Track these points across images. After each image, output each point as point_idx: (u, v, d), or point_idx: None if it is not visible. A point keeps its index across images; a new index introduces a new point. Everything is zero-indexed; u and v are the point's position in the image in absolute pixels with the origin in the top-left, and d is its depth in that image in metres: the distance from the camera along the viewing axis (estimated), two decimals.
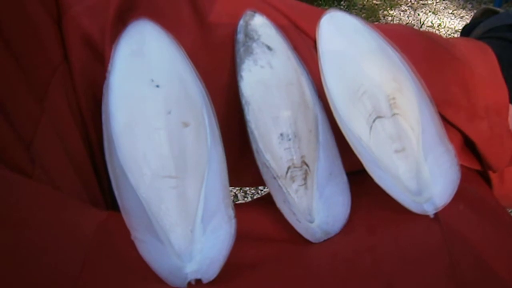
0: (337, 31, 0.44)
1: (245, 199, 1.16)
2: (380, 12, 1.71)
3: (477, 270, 0.33)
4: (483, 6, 0.60)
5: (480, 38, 0.54)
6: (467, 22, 0.61)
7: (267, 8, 0.44)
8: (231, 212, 0.34)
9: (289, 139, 0.39)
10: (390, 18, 1.72)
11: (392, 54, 0.43)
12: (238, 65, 0.41)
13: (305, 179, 0.39)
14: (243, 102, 0.40)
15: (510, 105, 0.45)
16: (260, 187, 1.13)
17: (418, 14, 1.76)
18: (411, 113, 0.40)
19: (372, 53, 0.43)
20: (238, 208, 0.35)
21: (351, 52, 0.43)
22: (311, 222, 0.38)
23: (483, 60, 0.46)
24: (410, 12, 1.77)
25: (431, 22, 1.72)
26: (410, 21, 1.72)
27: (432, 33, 0.50)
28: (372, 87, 0.41)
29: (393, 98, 0.41)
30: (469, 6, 1.83)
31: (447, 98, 0.43)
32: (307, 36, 0.45)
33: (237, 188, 1.14)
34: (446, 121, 0.42)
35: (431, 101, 0.41)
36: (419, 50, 0.45)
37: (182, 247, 0.33)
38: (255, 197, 1.16)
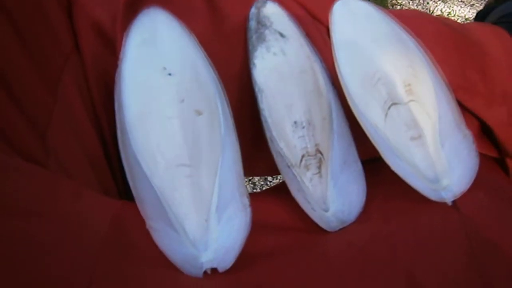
0: (350, 17, 0.44)
1: (254, 191, 1.16)
2: (389, 1, 1.68)
3: (497, 257, 0.32)
4: None
5: (495, 23, 0.53)
6: (477, 10, 0.60)
7: None
8: (246, 201, 0.34)
9: (303, 127, 0.39)
10: (399, 7, 1.70)
11: (407, 39, 0.42)
12: (250, 52, 0.40)
13: (319, 167, 0.39)
14: (256, 89, 0.39)
15: None
16: (269, 179, 1.13)
17: (428, 3, 1.74)
18: (427, 99, 0.40)
19: (386, 39, 0.42)
20: (253, 198, 0.34)
21: (365, 38, 0.42)
22: (326, 210, 0.38)
23: (500, 45, 0.45)
24: (419, 1, 1.74)
25: (441, 10, 1.70)
26: (419, 10, 1.70)
27: (447, 18, 0.49)
28: (387, 74, 0.40)
29: (409, 84, 0.40)
30: None
31: (464, 83, 0.42)
32: (320, 22, 0.44)
33: (245, 180, 1.14)
34: (463, 107, 0.42)
35: (447, 87, 0.40)
36: (434, 35, 0.44)
37: (197, 236, 0.33)
38: (264, 189, 1.16)
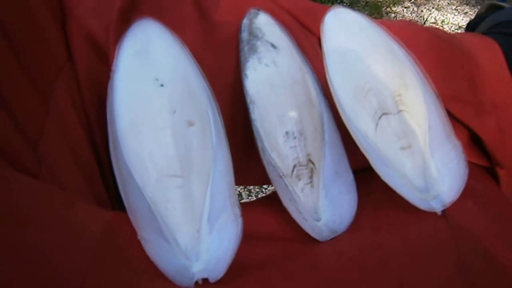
0: (341, 28, 0.44)
1: (250, 197, 1.16)
2: (383, 9, 1.70)
3: (486, 266, 0.33)
4: (488, 1, 0.59)
5: (485, 33, 0.53)
6: (471, 18, 0.61)
7: (271, 6, 0.44)
8: (238, 211, 0.34)
9: (295, 138, 0.39)
10: (393, 15, 1.71)
11: (397, 50, 0.43)
12: (242, 63, 0.41)
13: (311, 177, 0.39)
14: (248, 100, 0.39)
15: None
16: (265, 186, 1.13)
17: (421, 11, 1.75)
18: (417, 109, 0.40)
19: (377, 50, 0.43)
20: (244, 207, 0.35)
21: (356, 49, 0.43)
22: (318, 220, 0.38)
23: (490, 55, 0.45)
24: (413, 9, 1.76)
25: (435, 18, 1.71)
26: (413, 18, 1.71)
27: (437, 28, 0.49)
28: (377, 84, 0.41)
29: (399, 95, 0.40)
30: (473, 1, 1.82)
31: (454, 93, 0.42)
32: (312, 33, 0.45)
33: (241, 187, 1.14)
34: (453, 117, 0.42)
35: (437, 97, 0.40)
36: (424, 45, 0.45)
37: (188, 247, 0.33)
38: (259, 196, 1.16)
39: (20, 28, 0.35)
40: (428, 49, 0.45)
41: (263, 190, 1.18)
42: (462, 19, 1.73)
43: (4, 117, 0.32)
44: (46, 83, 0.37)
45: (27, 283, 0.26)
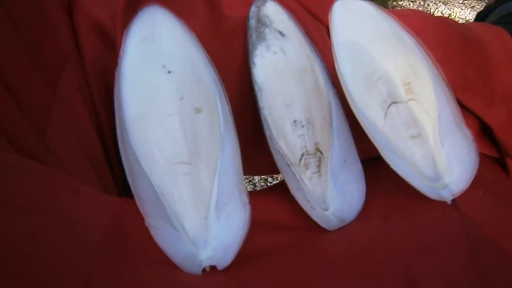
0: (350, 16, 0.44)
1: (255, 190, 1.16)
2: (389, 2, 1.69)
3: (497, 256, 0.32)
4: None
5: (495, 24, 0.53)
6: (478, 12, 0.60)
7: None
8: (245, 198, 0.34)
9: (303, 126, 0.39)
10: (399, 9, 1.70)
11: (407, 38, 0.42)
12: (250, 51, 0.40)
13: (319, 166, 0.39)
14: (256, 88, 0.39)
15: None
16: (270, 179, 1.13)
17: (428, 4, 1.74)
18: (426, 98, 0.40)
19: (386, 38, 0.42)
20: (252, 196, 0.34)
21: (365, 37, 0.42)
22: (326, 209, 0.38)
23: (500, 45, 0.45)
24: (419, 3, 1.74)
25: (441, 12, 1.70)
26: (419, 10, 1.70)
27: (447, 18, 0.49)
28: (386, 73, 0.40)
29: (408, 83, 0.40)
30: None
31: (464, 82, 0.42)
32: (320, 21, 0.44)
33: (246, 180, 1.14)
34: (463, 107, 0.42)
35: (447, 86, 0.40)
36: (434, 34, 0.44)
37: (196, 234, 0.33)
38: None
39: (27, 16, 0.35)
40: (438, 38, 0.44)
41: (268, 183, 1.17)
42: (469, 13, 1.72)
43: (11, 104, 0.32)
44: (53, 71, 0.37)
45: (34, 270, 0.25)
